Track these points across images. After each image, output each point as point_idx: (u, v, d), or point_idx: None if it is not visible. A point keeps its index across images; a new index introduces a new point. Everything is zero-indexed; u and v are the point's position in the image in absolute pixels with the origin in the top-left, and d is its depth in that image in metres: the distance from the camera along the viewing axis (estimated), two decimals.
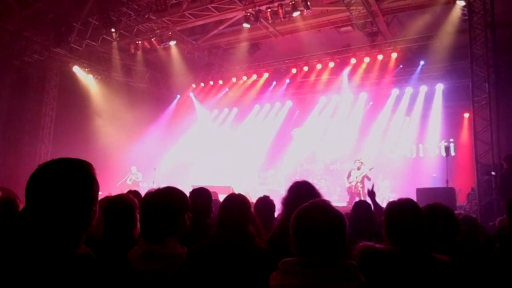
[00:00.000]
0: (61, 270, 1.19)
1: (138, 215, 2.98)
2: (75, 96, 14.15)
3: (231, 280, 2.40)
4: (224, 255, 2.49)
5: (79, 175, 1.36)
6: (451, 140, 12.95)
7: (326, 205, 1.81)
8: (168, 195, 2.10)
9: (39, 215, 1.27)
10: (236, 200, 2.73)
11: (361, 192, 11.78)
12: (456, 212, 5.82)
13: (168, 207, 2.04)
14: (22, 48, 13.34)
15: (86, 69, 14.59)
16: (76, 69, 14.34)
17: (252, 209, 3.83)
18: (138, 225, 2.86)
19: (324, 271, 1.64)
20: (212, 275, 2.37)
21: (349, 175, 12.23)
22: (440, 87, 13.69)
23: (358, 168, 12.04)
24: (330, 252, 1.69)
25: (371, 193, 4.92)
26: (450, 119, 13.65)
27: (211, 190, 3.76)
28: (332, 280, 1.63)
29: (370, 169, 12.13)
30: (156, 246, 1.94)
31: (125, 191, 3.97)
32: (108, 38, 12.79)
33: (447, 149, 11.20)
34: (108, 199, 3.09)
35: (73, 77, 14.29)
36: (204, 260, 2.45)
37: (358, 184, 11.83)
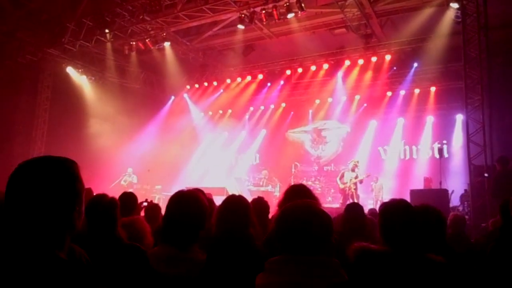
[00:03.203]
0: (42, 275, 1.14)
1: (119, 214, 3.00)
2: (68, 97, 14.04)
3: (231, 283, 2.39)
4: (223, 258, 2.47)
5: (60, 172, 1.29)
6: (444, 142, 13.03)
7: (308, 204, 1.85)
8: (198, 200, 2.09)
9: (18, 216, 1.22)
10: (235, 202, 2.70)
11: (354, 193, 11.82)
12: (452, 213, 5.85)
13: (200, 213, 2.05)
14: (15, 49, 13.24)
15: (80, 70, 14.50)
16: (70, 70, 14.26)
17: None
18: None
19: (305, 267, 1.66)
20: (212, 275, 2.37)
21: (342, 176, 12.25)
22: (433, 89, 13.77)
23: (352, 170, 12.07)
24: (311, 249, 1.71)
25: None
26: (443, 121, 13.73)
27: (205, 191, 3.73)
28: (312, 277, 1.65)
29: (367, 176, 12.19)
30: (182, 252, 1.94)
31: (119, 192, 3.96)
32: (102, 39, 12.74)
33: (440, 151, 11.26)
34: (91, 198, 3.11)
35: (66, 78, 14.19)
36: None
37: (352, 186, 11.86)
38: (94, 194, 3.41)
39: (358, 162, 12.32)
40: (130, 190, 8.48)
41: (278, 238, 1.78)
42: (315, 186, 14.12)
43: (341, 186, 12.08)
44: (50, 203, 1.24)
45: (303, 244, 1.71)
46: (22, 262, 1.15)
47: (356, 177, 11.93)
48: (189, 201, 2.06)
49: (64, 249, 1.27)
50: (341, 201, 12.04)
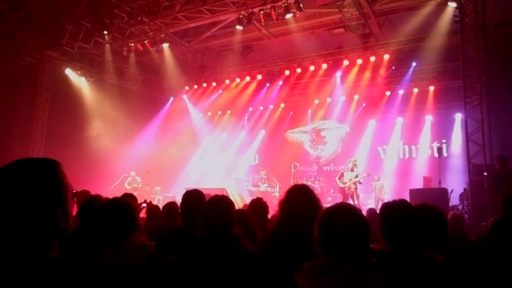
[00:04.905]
0: (31, 274, 1.15)
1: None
2: (67, 99, 14.05)
3: (215, 282, 2.39)
4: (208, 257, 2.48)
5: (37, 174, 1.30)
6: (443, 141, 13.04)
7: (352, 207, 1.88)
8: (116, 203, 2.35)
9: (2, 219, 1.23)
10: (218, 202, 2.71)
11: (354, 193, 11.84)
12: (451, 212, 5.86)
13: (121, 210, 2.28)
14: (14, 51, 13.25)
15: (79, 72, 14.50)
16: (69, 71, 14.25)
17: (247, 210, 3.83)
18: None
19: (358, 269, 1.70)
20: (196, 276, 2.39)
21: (341, 176, 12.26)
22: (432, 88, 13.78)
23: (352, 170, 12.08)
24: (360, 251, 1.75)
25: None
26: (442, 120, 13.75)
27: (205, 192, 3.74)
28: (367, 277, 1.69)
29: (368, 175, 12.21)
30: (119, 244, 2.10)
31: (119, 194, 3.97)
32: (101, 40, 12.74)
33: (439, 150, 11.27)
34: (84, 200, 3.15)
35: (65, 80, 14.19)
36: (189, 262, 2.45)
37: (352, 185, 11.88)
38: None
39: (356, 161, 12.33)
40: (135, 193, 8.47)
41: (324, 241, 1.79)
42: (315, 186, 14.11)
43: (341, 185, 12.09)
44: (29, 205, 1.24)
45: (353, 246, 1.74)
46: (11, 263, 1.16)
47: (356, 177, 11.94)
48: (110, 205, 2.36)
49: (53, 249, 1.28)
50: (341, 200, 12.05)
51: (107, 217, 2.25)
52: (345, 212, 1.82)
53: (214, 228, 2.58)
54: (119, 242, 2.10)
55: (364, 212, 4.72)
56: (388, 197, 11.72)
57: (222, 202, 2.71)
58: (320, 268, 1.73)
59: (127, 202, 2.35)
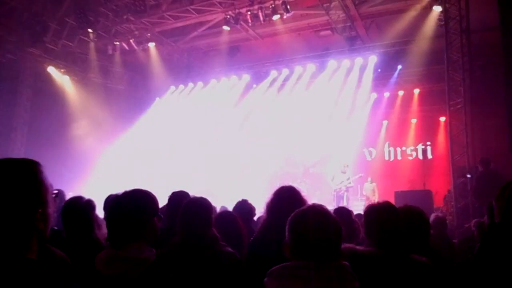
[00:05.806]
0: (9, 275, 1.13)
1: (96, 216, 2.98)
2: (50, 97, 13.77)
3: (191, 284, 2.36)
4: (183, 260, 2.44)
5: (16, 175, 1.28)
6: (428, 143, 13.21)
7: (324, 210, 1.83)
8: (132, 199, 2.02)
9: None
10: (194, 204, 2.68)
11: (344, 196, 11.89)
12: (433, 214, 5.92)
13: (132, 211, 1.96)
14: None
15: (62, 70, 14.23)
16: (52, 69, 13.99)
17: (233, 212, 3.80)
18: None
19: (330, 273, 1.66)
20: (175, 279, 2.35)
21: (333, 178, 12.30)
22: (417, 91, 13.94)
23: (343, 172, 12.12)
24: (331, 254, 1.70)
25: None
26: (427, 122, 13.93)
27: (190, 194, 3.69)
28: (340, 281, 1.65)
29: (359, 176, 12.28)
30: (119, 251, 1.91)
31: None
32: (85, 38, 12.57)
33: (424, 152, 11.41)
34: (67, 200, 3.07)
35: (48, 78, 13.92)
36: (167, 265, 2.41)
37: (343, 188, 11.93)
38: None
39: (347, 165, 12.35)
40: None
41: (295, 244, 1.75)
42: (301, 188, 14.09)
43: (334, 186, 12.11)
44: (6, 206, 1.22)
45: (325, 249, 1.70)
46: None
47: (348, 179, 12.00)
48: (122, 202, 2.03)
49: (31, 251, 1.26)
50: (334, 204, 12.05)
51: (110, 219, 2.01)
52: (316, 214, 1.77)
53: (190, 231, 2.55)
54: (117, 249, 1.92)
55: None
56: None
57: (198, 204, 2.68)
58: (290, 272, 1.68)
59: (138, 204, 2.01)
